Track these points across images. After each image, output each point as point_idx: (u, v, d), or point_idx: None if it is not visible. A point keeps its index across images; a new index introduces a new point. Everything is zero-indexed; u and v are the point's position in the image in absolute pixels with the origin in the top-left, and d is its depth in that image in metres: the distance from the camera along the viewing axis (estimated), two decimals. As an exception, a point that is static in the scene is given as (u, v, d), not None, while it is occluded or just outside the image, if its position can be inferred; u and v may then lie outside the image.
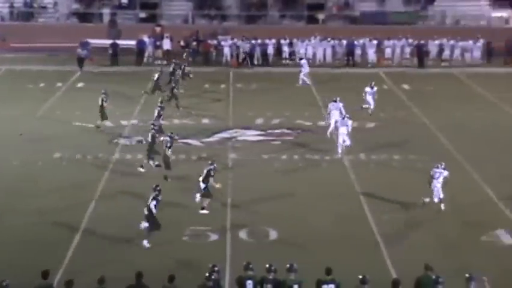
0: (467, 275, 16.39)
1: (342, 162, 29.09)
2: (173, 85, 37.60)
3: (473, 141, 31.78)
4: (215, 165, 24.48)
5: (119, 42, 49.73)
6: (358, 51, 50.40)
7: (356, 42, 50.27)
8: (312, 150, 30.67)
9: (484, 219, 23.40)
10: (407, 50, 50.38)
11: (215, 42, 50.64)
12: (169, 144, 27.05)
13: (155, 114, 31.19)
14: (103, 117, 33.25)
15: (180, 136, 31.81)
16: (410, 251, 21.04)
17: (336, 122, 31.51)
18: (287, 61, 50.52)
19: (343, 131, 30.10)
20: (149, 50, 50.41)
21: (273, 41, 50.41)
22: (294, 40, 50.60)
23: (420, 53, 49.62)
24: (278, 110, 36.92)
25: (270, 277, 16.78)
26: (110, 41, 49.74)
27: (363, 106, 35.75)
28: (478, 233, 22.29)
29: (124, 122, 34.41)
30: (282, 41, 50.56)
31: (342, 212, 24.09)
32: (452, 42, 50.39)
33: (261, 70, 48.21)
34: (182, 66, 41.70)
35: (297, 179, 27.28)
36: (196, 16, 56.74)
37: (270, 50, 50.40)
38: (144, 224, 21.73)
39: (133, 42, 49.64)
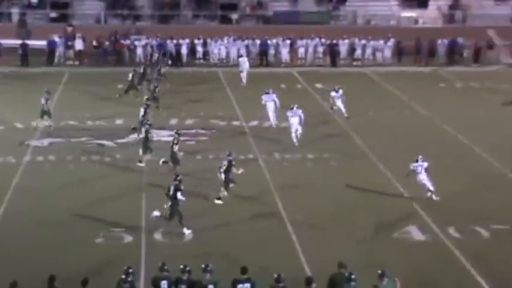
0: (379, 272, 16.64)
1: (257, 162, 29.19)
2: (155, 85, 37.45)
3: (386, 140, 32.28)
4: (233, 155, 25.57)
5: (29, 42, 48.91)
6: (272, 51, 50.71)
7: (269, 42, 50.59)
8: (227, 149, 30.53)
9: (396, 216, 23.77)
10: (320, 49, 50.95)
11: (128, 42, 50.27)
12: (176, 141, 27.42)
13: (142, 111, 31.26)
14: (44, 115, 32.69)
15: (93, 137, 31.44)
16: (324, 249, 21.20)
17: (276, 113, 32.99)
18: (201, 61, 50.47)
19: (295, 120, 31.13)
20: (60, 50, 49.72)
21: (187, 40, 50.30)
22: (208, 40, 50.58)
23: (333, 53, 50.22)
24: (192, 110, 36.86)
25: (185, 278, 16.73)
26: (19, 41, 48.86)
27: (333, 108, 35.63)
28: (390, 230, 22.63)
29: (34, 123, 33.75)
30: (196, 41, 50.48)
31: (257, 211, 24.15)
32: (363, 41, 51.16)
33: (175, 70, 48.02)
34: (159, 67, 42.07)
35: (212, 179, 27.19)
36: (109, 16, 56.13)
37: (184, 50, 50.27)
38: (155, 213, 22.28)
39: (43, 43, 48.85)
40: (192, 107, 37.46)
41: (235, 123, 35.01)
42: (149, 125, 29.24)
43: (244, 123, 34.86)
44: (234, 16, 57.09)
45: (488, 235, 22.29)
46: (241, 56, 45.63)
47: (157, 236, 22.22)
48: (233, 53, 50.50)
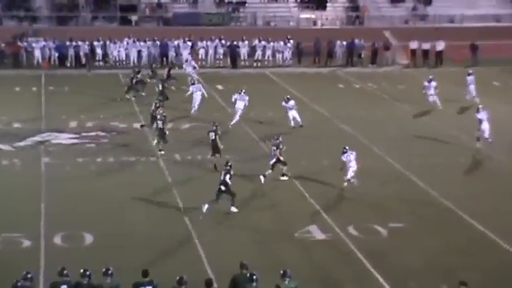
0: (281, 271, 16.79)
1: (158, 164, 29.06)
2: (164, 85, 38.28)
3: (286, 140, 32.52)
4: (280, 138, 27.51)
5: None
6: (172, 53, 50.56)
7: (169, 43, 50.42)
8: (127, 152, 30.47)
9: (297, 215, 24.03)
10: (220, 50, 51.06)
11: (25, 44, 49.30)
12: (219, 132, 28.82)
13: (153, 106, 32.38)
14: None
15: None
16: (226, 250, 21.26)
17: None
18: (100, 63, 49.90)
19: (240, 105, 34.17)
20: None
21: (87, 42, 49.64)
22: (107, 42, 50.04)
23: (233, 54, 50.42)
24: (92, 113, 36.43)
25: (85, 282, 16.53)
26: None
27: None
28: (292, 229, 22.85)
29: None
30: (95, 43, 49.88)
31: (159, 213, 24.08)
32: (263, 43, 51.51)
33: (74, 72, 47.40)
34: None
35: (112, 182, 27.01)
36: (5, 17, 54.89)
37: (83, 52, 49.59)
38: (205, 206, 23.57)
39: None
40: (92, 110, 36.99)
41: (136, 125, 34.74)
42: (164, 118, 30.33)
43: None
44: (134, 18, 56.65)
45: (386, 233, 22.76)
46: (187, 60, 45.12)
47: (57, 240, 21.88)
48: (133, 55, 50.14)
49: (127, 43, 50.37)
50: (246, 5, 59.22)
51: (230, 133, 33.00)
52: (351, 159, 26.19)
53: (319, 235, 22.64)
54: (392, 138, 32.92)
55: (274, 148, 27.27)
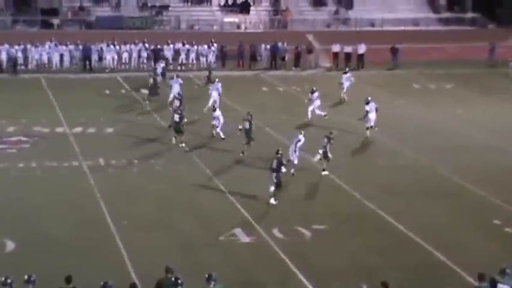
0: (206, 275, 16.84)
1: (82, 169, 28.83)
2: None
3: (209, 142, 32.66)
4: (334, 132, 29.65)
5: None
6: (95, 56, 50.16)
7: (92, 47, 50.00)
8: (50, 157, 30.13)
9: (222, 219, 24.13)
10: (144, 54, 50.84)
11: None
12: (253, 122, 31.62)
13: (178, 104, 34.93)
14: None
15: None
16: (150, 254, 21.22)
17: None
18: (22, 67, 49.17)
19: (214, 94, 37.15)
20: None
21: (6, 46, 48.85)
22: (28, 46, 49.32)
23: (157, 58, 50.20)
24: (14, 117, 35.88)
25: (8, 290, 16.33)
26: None
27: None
28: (217, 233, 22.94)
29: None
30: (16, 47, 49.10)
31: (82, 218, 23.87)
32: (187, 46, 51.49)
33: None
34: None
35: (35, 187, 26.70)
36: None
37: (3, 57, 48.81)
38: (272, 202, 25.11)
39: None
40: (13, 114, 36.43)
41: (59, 129, 34.42)
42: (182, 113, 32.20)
43: (67, 130, 34.31)
44: (56, 21, 55.94)
45: (310, 235, 23.03)
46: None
47: (-22, 248, 21.53)
48: (55, 59, 49.58)
49: (49, 47, 49.76)
50: (170, 8, 59.09)
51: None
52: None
53: (244, 238, 22.78)
54: (317, 140, 33.24)
55: (326, 141, 28.62)
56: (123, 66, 50.31)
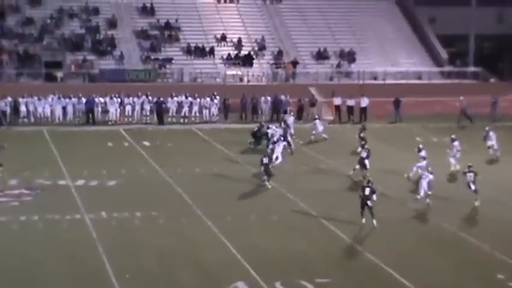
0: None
1: (84, 221, 28.70)
2: None
3: (212, 195, 32.59)
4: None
5: None
6: (98, 109, 50.36)
7: (96, 100, 50.22)
8: (52, 210, 30.01)
9: (223, 271, 23.93)
10: (147, 107, 51.02)
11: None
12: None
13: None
14: None
15: None
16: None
17: None
18: (25, 120, 49.36)
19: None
20: None
21: (9, 99, 49.11)
22: (29, 98, 49.51)
23: (160, 110, 50.43)
24: (16, 170, 35.82)
25: None
26: None
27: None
28: (218, 286, 22.72)
29: None
30: (20, 100, 49.34)
31: (84, 272, 23.63)
32: (190, 99, 51.70)
33: (-2, 129, 46.86)
34: None
35: (36, 241, 26.51)
36: None
37: (7, 109, 49.05)
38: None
39: None
40: (15, 167, 36.39)
41: (61, 182, 34.38)
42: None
43: (70, 182, 34.26)
44: (59, 74, 56.38)
45: (314, 288, 22.83)
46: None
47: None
48: (58, 111, 49.79)
49: (52, 99, 50.00)
50: (173, 61, 59.54)
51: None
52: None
53: (246, 291, 22.59)
54: (315, 191, 33.19)
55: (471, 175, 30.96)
56: (126, 119, 50.48)
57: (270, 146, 38.84)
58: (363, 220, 28.42)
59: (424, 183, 31.24)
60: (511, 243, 26.91)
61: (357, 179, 34.81)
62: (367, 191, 28.11)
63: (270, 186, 33.71)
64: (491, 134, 40.51)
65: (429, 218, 29.98)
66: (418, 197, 31.39)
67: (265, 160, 34.12)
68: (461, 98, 51.86)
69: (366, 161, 35.09)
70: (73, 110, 50.16)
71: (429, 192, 31.05)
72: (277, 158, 37.66)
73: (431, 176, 31.25)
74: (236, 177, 35.77)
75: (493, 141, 40.37)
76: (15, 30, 59.49)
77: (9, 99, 49.16)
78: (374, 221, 28.09)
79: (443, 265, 24.82)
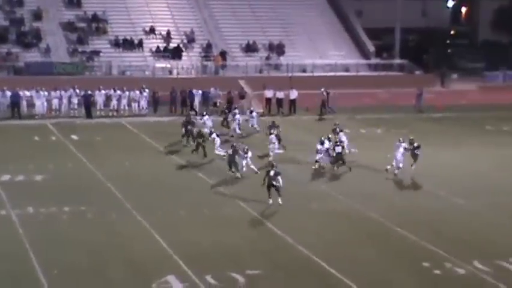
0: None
1: (10, 218, 28.18)
2: None
3: (142, 190, 32.36)
4: None
5: None
6: (24, 102, 49.50)
7: (21, 93, 49.34)
8: (-23, 206, 29.43)
9: (154, 265, 23.79)
10: (75, 100, 50.35)
11: None
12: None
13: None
14: None
15: None
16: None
17: None
18: None
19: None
20: None
21: None
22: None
23: (88, 104, 49.83)
24: None
25: None
26: None
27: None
28: (149, 280, 22.57)
29: None
30: None
31: (10, 269, 23.20)
32: (119, 92, 51.21)
33: None
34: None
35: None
36: None
37: None
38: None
39: None
40: None
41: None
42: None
43: (-5, 178, 33.65)
44: (-17, 66, 55.36)
45: (244, 280, 22.82)
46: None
47: None
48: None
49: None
50: (101, 54, 58.91)
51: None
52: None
53: (177, 285, 22.43)
54: (248, 184, 33.25)
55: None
56: (53, 112, 49.75)
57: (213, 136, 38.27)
58: (270, 201, 29.92)
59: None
60: (436, 232, 27.35)
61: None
62: (272, 173, 29.86)
63: (239, 176, 34.01)
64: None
65: (358, 208, 30.26)
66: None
67: (230, 152, 34.17)
68: (322, 89, 52.31)
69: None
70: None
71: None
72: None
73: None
74: (166, 171, 35.60)
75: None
76: None
77: None
78: (279, 199, 29.87)
79: (371, 255, 25.09)
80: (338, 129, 38.63)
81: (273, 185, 29.96)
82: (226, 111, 46.17)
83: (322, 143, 35.98)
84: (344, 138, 37.52)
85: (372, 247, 25.89)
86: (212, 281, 22.63)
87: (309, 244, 25.76)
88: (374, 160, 37.35)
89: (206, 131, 39.58)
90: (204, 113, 44.09)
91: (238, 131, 43.59)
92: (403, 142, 35.40)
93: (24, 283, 22.23)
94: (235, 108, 46.54)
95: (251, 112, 45.76)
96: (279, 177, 29.95)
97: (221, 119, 45.85)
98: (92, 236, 26.29)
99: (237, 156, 34.24)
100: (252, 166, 34.58)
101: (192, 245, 25.61)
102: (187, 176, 35.03)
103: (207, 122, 41.61)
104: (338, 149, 35.54)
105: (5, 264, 23.54)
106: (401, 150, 35.01)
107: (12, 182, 33.22)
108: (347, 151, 36.97)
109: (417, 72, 64.53)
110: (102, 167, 35.75)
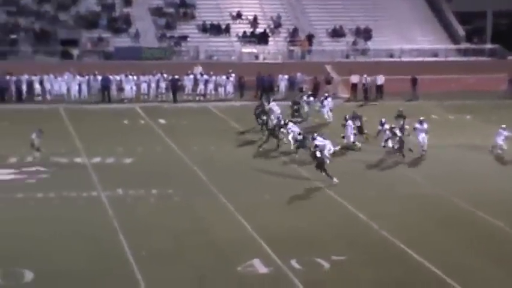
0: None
1: (100, 199, 28.82)
2: None
3: (227, 173, 32.63)
4: None
5: None
6: (114, 87, 50.42)
7: (111, 78, 50.26)
8: (68, 187, 30.13)
9: (239, 249, 23.98)
10: (163, 84, 51.04)
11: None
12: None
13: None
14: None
15: None
16: (167, 286, 21.12)
17: None
18: (39, 98, 49.51)
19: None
20: None
21: (26, 76, 49.28)
22: (45, 76, 49.64)
23: (175, 88, 50.42)
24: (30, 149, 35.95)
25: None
26: None
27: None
28: (234, 264, 22.77)
29: None
30: (34, 77, 49.48)
31: (100, 250, 23.73)
32: (206, 76, 51.65)
33: (14, 107, 46.98)
34: None
35: (53, 218, 26.65)
36: None
37: (23, 86, 49.23)
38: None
39: None
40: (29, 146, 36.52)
41: (77, 159, 34.51)
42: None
43: (86, 160, 34.39)
44: (75, 52, 56.45)
45: (328, 266, 22.81)
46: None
47: (-4, 278, 21.46)
48: (74, 89, 49.91)
49: (68, 77, 50.10)
50: (188, 39, 59.44)
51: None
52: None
53: (262, 269, 22.58)
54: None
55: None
56: (142, 96, 50.56)
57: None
58: (335, 179, 30.84)
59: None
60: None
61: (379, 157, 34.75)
62: (318, 154, 30.78)
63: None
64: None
65: (443, 193, 29.86)
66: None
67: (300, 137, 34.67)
68: (364, 75, 52.26)
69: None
70: (88, 87, 50.24)
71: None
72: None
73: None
74: (251, 155, 35.79)
75: None
76: (31, 8, 59.50)
77: (26, 76, 49.34)
78: (335, 179, 30.68)
79: (454, 240, 24.74)
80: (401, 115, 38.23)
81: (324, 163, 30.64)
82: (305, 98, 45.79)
83: (382, 124, 36.30)
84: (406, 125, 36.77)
85: (455, 232, 25.57)
86: (297, 265, 22.66)
87: (392, 229, 25.59)
88: (462, 146, 36.82)
89: (272, 118, 38.98)
90: (271, 99, 43.74)
91: (327, 117, 43.56)
92: (506, 129, 34.91)
93: (114, 264, 22.64)
94: (326, 94, 46.25)
95: (326, 98, 45.11)
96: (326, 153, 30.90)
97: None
98: (178, 219, 26.67)
99: (307, 142, 34.06)
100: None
101: (277, 229, 25.72)
102: (271, 160, 35.15)
103: (274, 109, 41.13)
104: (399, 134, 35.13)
105: (96, 246, 24.05)
106: (503, 137, 34.67)
107: (102, 164, 33.94)
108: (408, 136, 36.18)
109: (509, 58, 63.07)
110: (188, 150, 36.20)
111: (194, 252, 23.82)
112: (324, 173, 30.93)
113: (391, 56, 60.69)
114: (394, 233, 25.24)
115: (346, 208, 28.25)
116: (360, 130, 38.12)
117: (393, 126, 35.82)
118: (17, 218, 26.55)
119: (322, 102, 44.68)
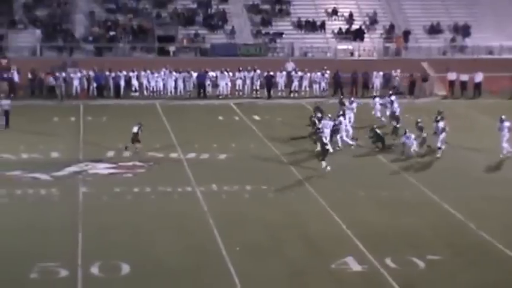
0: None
1: (195, 194, 29.08)
2: None
3: (319, 170, 32.48)
4: None
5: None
6: (209, 83, 50.84)
7: (207, 74, 50.69)
8: (164, 182, 30.51)
9: (333, 246, 23.86)
10: (257, 82, 51.18)
11: (64, 74, 49.77)
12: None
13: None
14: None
15: (27, 170, 31.11)
16: (261, 281, 21.16)
17: None
18: (136, 93, 50.30)
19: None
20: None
21: (124, 73, 50.14)
22: (142, 72, 50.42)
23: (269, 85, 50.51)
24: (129, 143, 36.51)
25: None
26: None
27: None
28: (328, 261, 22.66)
29: None
30: (131, 74, 50.30)
31: (195, 244, 23.97)
32: (300, 73, 51.57)
33: (112, 102, 47.87)
34: None
35: (149, 212, 27.04)
36: (44, 48, 55.58)
37: (122, 82, 50.10)
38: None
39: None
40: (128, 139, 37.04)
41: (173, 155, 34.91)
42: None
43: (181, 155, 34.76)
44: (172, 48, 57.14)
45: (424, 265, 22.47)
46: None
47: (94, 270, 21.85)
48: (170, 85, 50.56)
49: (164, 73, 50.78)
50: (283, 36, 59.44)
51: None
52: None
53: (356, 267, 22.40)
54: (427, 170, 32.71)
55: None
56: (236, 93, 50.84)
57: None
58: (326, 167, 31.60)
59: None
60: None
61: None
62: (325, 139, 32.61)
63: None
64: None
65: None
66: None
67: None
68: (398, 71, 51.95)
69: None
70: (183, 84, 50.80)
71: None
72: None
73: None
74: (346, 152, 35.54)
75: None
76: (129, 5, 60.53)
77: (124, 72, 50.22)
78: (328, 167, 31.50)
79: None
80: (439, 118, 36.63)
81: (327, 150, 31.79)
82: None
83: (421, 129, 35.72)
84: (441, 125, 35.52)
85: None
86: (392, 264, 22.41)
87: (490, 229, 25.03)
88: None
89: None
90: (352, 99, 43.07)
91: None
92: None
93: (208, 259, 22.80)
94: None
95: (390, 95, 43.47)
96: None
97: (404, 101, 44.91)
98: (272, 215, 26.69)
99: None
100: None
101: (371, 226, 25.49)
102: (364, 157, 34.85)
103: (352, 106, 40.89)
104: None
105: (190, 239, 24.32)
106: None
107: (197, 159, 34.24)
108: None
109: None
110: (282, 146, 36.18)
111: (288, 248, 23.80)
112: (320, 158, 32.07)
113: (490, 53, 59.34)
114: (493, 235, 24.68)
115: (442, 207, 27.78)
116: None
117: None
118: (114, 212, 27.02)
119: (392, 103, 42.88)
